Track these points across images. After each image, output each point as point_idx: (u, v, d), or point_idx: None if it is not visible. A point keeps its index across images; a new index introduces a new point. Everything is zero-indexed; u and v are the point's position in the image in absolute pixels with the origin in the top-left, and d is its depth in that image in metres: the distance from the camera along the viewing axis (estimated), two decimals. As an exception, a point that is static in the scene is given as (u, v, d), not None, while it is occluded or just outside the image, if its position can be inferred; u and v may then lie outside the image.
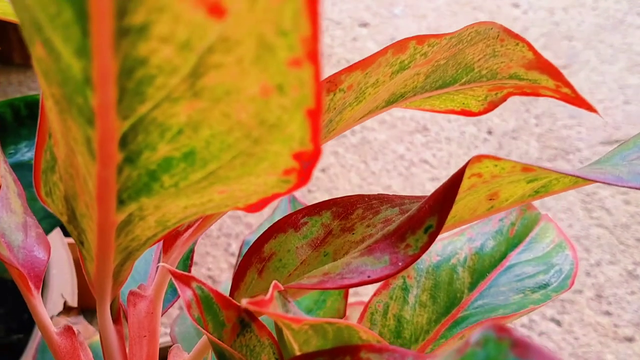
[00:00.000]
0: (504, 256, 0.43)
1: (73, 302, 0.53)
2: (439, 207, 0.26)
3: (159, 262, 0.34)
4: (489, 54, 0.38)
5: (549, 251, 0.43)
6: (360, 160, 1.05)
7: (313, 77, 0.15)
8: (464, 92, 0.40)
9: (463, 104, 0.42)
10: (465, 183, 0.28)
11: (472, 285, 0.42)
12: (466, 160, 0.25)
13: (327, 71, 1.14)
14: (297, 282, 0.27)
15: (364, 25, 1.28)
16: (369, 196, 0.34)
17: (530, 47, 0.39)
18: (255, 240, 0.32)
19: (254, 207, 0.22)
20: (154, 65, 0.15)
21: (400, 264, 0.26)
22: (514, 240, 0.44)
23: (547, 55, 1.03)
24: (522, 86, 0.42)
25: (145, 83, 0.16)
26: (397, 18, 1.30)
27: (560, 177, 0.29)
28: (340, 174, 1.03)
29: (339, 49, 1.22)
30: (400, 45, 0.32)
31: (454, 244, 0.43)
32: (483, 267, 0.42)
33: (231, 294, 0.31)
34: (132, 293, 0.28)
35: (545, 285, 0.40)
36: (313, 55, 0.14)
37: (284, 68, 0.15)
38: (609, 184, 0.25)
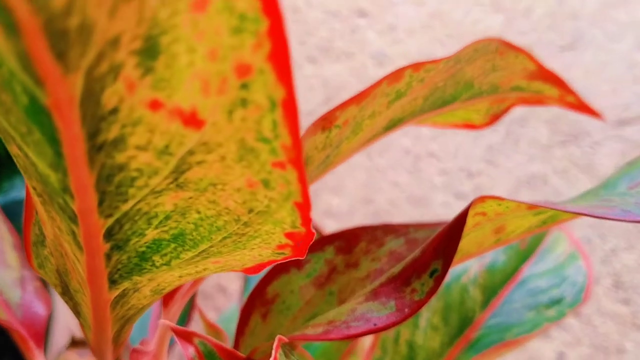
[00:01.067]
0: (515, 270, 0.42)
1: (80, 337, 0.53)
2: (443, 250, 0.26)
3: (159, 316, 0.34)
4: (488, 69, 0.37)
5: (562, 262, 0.42)
6: (365, 156, 1.04)
7: (297, 178, 0.14)
8: (465, 107, 0.39)
9: (465, 118, 0.41)
10: (470, 221, 0.27)
11: (484, 303, 0.41)
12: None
13: (327, 67, 1.12)
14: (302, 333, 0.27)
15: (363, 15, 1.26)
16: (372, 227, 0.34)
17: (531, 58, 0.38)
18: (258, 282, 0.31)
19: (252, 270, 0.22)
20: (133, 169, 0.15)
21: (406, 310, 0.26)
22: (525, 253, 0.43)
23: (551, 36, 1.00)
24: (525, 97, 0.41)
25: (125, 185, 0.15)
26: (396, 6, 1.28)
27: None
28: (345, 172, 1.02)
29: (339, 43, 1.20)
30: (395, 75, 0.31)
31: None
32: (494, 284, 0.41)
33: (236, 340, 0.30)
34: (134, 351, 0.28)
35: (559, 300, 0.40)
36: (296, 160, 0.13)
37: (268, 167, 0.14)
38: (617, 220, 0.24)
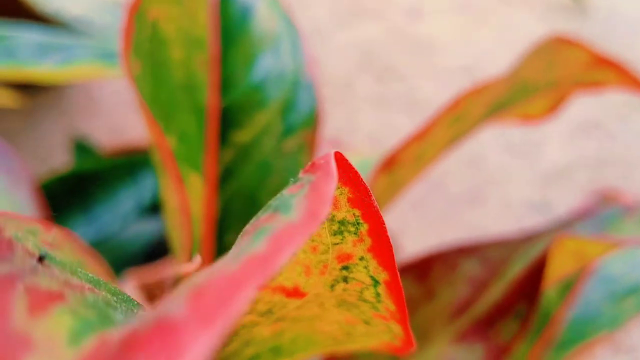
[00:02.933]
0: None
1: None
2: (527, 293, 0.26)
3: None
4: (544, 68, 0.37)
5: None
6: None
7: (402, 328, 0.14)
8: (522, 106, 0.39)
9: (523, 114, 0.40)
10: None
11: (559, 297, 0.40)
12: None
13: (361, 29, 1.09)
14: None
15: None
16: (444, 251, 0.34)
17: (586, 49, 0.37)
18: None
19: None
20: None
21: (494, 355, 0.26)
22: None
23: None
24: (584, 86, 0.40)
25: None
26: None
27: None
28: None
29: (369, 4, 1.18)
30: (455, 105, 0.30)
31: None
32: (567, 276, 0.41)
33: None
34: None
35: (636, 289, 0.39)
36: (402, 320, 0.13)
37: (369, 315, 0.14)
38: None
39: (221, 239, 0.28)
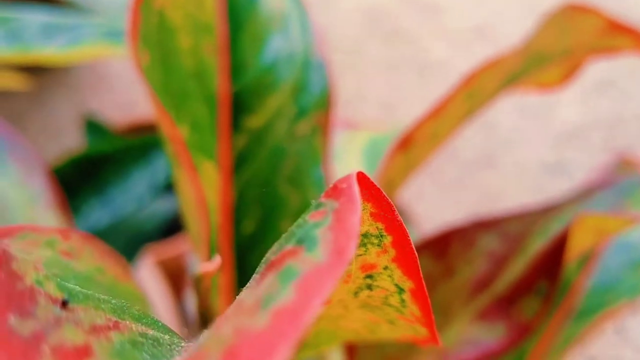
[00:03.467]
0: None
1: (182, 333, 0.55)
2: (548, 269, 0.25)
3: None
4: (557, 36, 0.36)
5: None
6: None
7: (428, 331, 0.14)
8: (536, 75, 0.38)
9: (537, 83, 0.40)
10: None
11: (579, 266, 0.40)
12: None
13: None
14: (415, 363, 0.27)
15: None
16: (461, 227, 0.33)
17: (600, 15, 0.36)
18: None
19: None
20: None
21: (515, 333, 0.26)
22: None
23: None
24: (598, 52, 0.39)
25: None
26: None
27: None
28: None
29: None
30: (469, 80, 0.30)
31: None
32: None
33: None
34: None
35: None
36: (428, 324, 0.13)
37: (393, 317, 0.14)
38: None
39: (238, 226, 0.28)
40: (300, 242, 0.09)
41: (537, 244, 0.30)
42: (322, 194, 0.10)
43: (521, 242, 0.32)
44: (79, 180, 0.46)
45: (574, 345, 0.36)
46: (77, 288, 0.10)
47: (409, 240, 0.11)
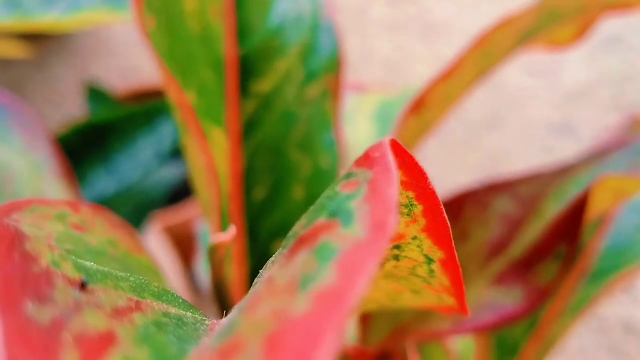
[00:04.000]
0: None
1: (189, 300, 0.55)
2: (567, 233, 0.25)
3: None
4: (572, -8, 0.35)
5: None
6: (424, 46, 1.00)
7: (457, 301, 0.13)
8: (549, 34, 0.37)
9: (550, 41, 0.39)
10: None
11: (593, 227, 0.40)
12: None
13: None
14: (429, 328, 0.27)
15: None
16: (474, 189, 0.33)
17: (616, -31, 0.35)
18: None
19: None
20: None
21: (534, 297, 0.25)
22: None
23: None
24: (612, 8, 0.38)
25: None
26: None
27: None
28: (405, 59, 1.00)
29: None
30: (482, 40, 0.29)
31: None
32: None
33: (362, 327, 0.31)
34: None
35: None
36: (458, 294, 0.13)
37: (421, 287, 0.14)
38: None
39: (248, 193, 0.27)
40: (333, 215, 0.08)
41: (553, 207, 0.30)
42: (353, 163, 0.09)
43: (536, 204, 0.31)
44: (84, 149, 0.46)
45: (587, 308, 0.36)
46: (95, 266, 0.09)
47: (442, 209, 0.10)
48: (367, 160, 0.09)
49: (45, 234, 0.12)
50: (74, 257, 0.09)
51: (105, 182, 0.46)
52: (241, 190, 0.27)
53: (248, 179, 0.27)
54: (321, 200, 0.09)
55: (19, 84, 1.02)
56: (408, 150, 0.09)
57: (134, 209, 0.53)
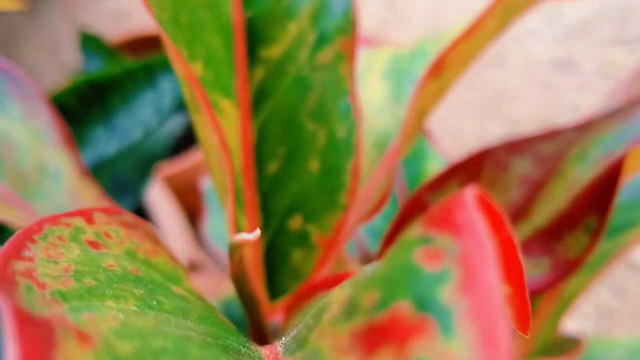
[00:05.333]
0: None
1: (196, 256, 0.54)
2: (597, 203, 0.24)
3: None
4: None
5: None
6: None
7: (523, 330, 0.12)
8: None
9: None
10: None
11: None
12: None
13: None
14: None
15: None
16: (493, 149, 0.32)
17: None
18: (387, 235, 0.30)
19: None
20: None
21: (562, 269, 0.24)
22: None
23: None
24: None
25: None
26: None
27: None
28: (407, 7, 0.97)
29: None
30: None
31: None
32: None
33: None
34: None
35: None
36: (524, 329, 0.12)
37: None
38: None
39: (260, 167, 0.26)
40: (421, 305, 0.07)
41: (576, 170, 0.29)
42: (425, 219, 0.07)
43: (557, 165, 0.30)
44: (83, 108, 0.44)
45: (605, 265, 0.35)
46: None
47: (526, 294, 0.09)
48: (448, 222, 0.07)
49: (63, 267, 0.11)
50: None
51: (105, 140, 0.44)
52: (253, 164, 0.26)
53: (260, 151, 0.26)
54: (388, 266, 0.07)
55: (11, 31, 0.98)
56: (494, 206, 0.08)
57: (136, 165, 0.52)
